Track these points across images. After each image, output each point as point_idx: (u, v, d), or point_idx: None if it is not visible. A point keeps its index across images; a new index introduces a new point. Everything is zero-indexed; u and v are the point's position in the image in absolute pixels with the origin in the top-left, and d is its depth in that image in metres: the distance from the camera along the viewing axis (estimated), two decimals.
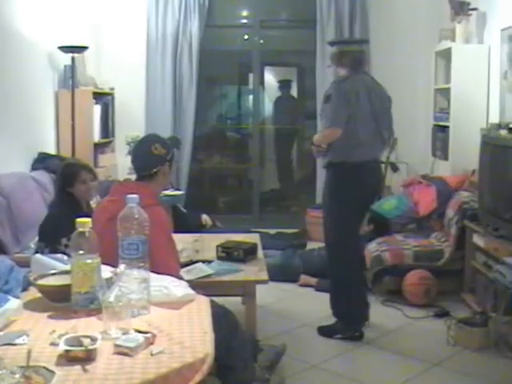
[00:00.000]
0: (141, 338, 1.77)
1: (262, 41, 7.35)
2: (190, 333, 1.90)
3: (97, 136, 6.12)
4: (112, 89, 6.59)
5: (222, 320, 2.48)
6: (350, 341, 3.97)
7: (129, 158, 6.02)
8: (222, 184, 8.36)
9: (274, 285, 4.75)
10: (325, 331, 4.09)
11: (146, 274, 2.07)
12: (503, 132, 4.41)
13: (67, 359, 1.68)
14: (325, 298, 4.57)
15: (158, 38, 6.81)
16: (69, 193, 3.70)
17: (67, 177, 3.73)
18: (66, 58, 5.69)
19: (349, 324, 4.02)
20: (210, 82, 7.98)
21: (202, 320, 2.02)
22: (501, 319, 3.73)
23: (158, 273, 2.25)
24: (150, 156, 2.83)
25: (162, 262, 2.50)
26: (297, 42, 7.86)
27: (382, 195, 4.44)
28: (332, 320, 4.13)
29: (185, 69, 6.87)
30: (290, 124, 8.14)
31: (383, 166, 6.48)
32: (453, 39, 5.71)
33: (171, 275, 2.35)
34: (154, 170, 2.82)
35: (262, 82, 7.63)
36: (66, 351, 1.68)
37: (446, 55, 5.71)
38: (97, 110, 6.12)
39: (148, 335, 1.80)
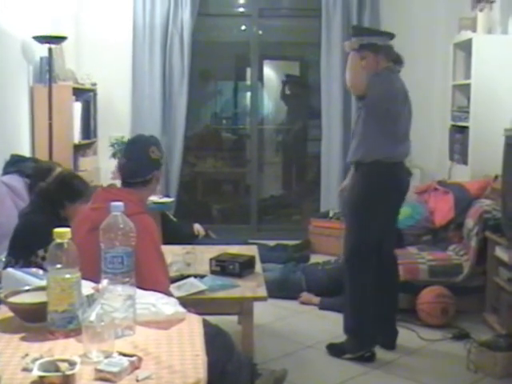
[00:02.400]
0: (125, 361, 1.76)
1: (260, 31, 7.37)
2: (180, 356, 1.88)
3: (77, 137, 6.10)
4: (94, 84, 6.58)
5: (215, 341, 2.47)
6: (359, 363, 3.96)
7: (113, 162, 6.09)
8: (216, 190, 8.36)
9: (274, 302, 4.77)
10: (334, 350, 4.10)
11: (131, 291, 2.06)
12: None
13: None
14: (330, 317, 4.57)
15: (146, 27, 6.81)
16: (57, 204, 3.69)
17: (76, 193, 3.70)
18: (42, 49, 5.68)
19: (359, 343, 4.03)
20: (204, 77, 7.99)
21: (194, 341, 2.01)
22: None
23: (145, 289, 2.24)
24: (147, 160, 2.85)
25: (150, 277, 2.50)
26: (299, 33, 7.88)
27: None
28: (341, 339, 4.14)
29: (175, 62, 6.87)
30: (299, 124, 8.11)
31: None
32: (474, 29, 5.72)
33: (160, 291, 2.35)
34: (150, 175, 2.85)
35: (260, 77, 7.64)
36: (41, 377, 1.66)
37: (466, 47, 5.72)
38: (77, 107, 6.11)
39: (133, 359, 1.79)
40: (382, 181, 3.97)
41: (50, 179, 3.79)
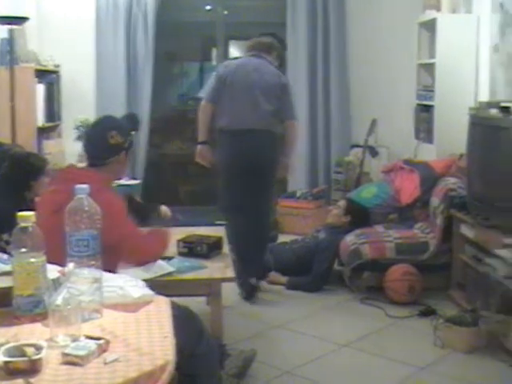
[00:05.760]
0: (92, 345, 1.75)
1: (226, 11, 7.32)
2: (148, 338, 1.89)
3: (41, 119, 6.03)
4: (57, 66, 6.50)
5: (184, 323, 2.45)
6: (329, 341, 4.00)
7: (78, 144, 6.03)
8: (183, 172, 8.31)
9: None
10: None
11: (97, 274, 2.05)
12: (494, 111, 4.44)
13: (7, 372, 1.64)
14: (297, 296, 4.60)
15: (109, 8, 6.71)
16: (21, 186, 3.66)
17: (36, 169, 3.70)
18: (2, 31, 5.58)
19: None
20: (169, 57, 7.92)
21: (162, 323, 2.01)
22: (493, 318, 3.77)
23: (138, 260, 2.35)
24: (104, 145, 2.86)
25: (122, 233, 2.70)
26: (265, 13, 7.83)
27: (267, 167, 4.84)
28: (308, 318, 4.16)
29: (139, 43, 6.79)
30: None
31: (362, 149, 6.54)
32: (438, 9, 5.74)
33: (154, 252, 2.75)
34: (109, 160, 2.86)
35: (226, 57, 7.59)
36: (6, 363, 1.65)
37: (431, 27, 5.74)
38: (40, 89, 6.03)
39: (101, 342, 1.78)
40: (218, 146, 4.83)
41: (6, 163, 3.77)
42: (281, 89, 4.80)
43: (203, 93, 4.94)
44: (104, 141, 2.84)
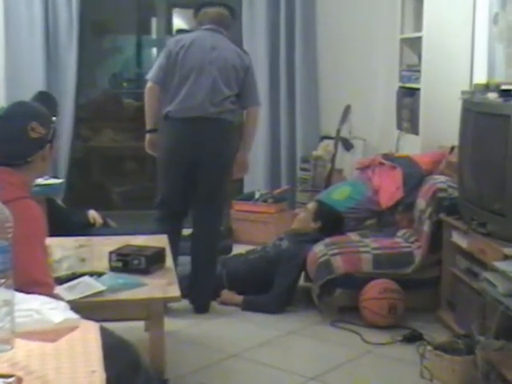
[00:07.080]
0: None
1: None
2: (71, 373, 1.85)
3: None
4: None
5: (117, 354, 2.45)
6: (293, 373, 3.99)
7: None
8: (116, 169, 8.28)
9: (188, 303, 4.85)
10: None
11: (8, 294, 2.00)
12: (492, 95, 4.48)
13: None
14: (255, 318, 4.60)
15: None
16: None
17: None
18: None
19: None
20: (98, 29, 7.87)
21: (89, 354, 1.97)
22: (491, 344, 3.79)
23: (25, 291, 2.20)
24: (25, 141, 2.79)
25: (31, 276, 2.50)
26: None
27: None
28: (272, 343, 4.18)
29: (61, 11, 6.72)
30: None
31: (333, 142, 6.55)
32: None
33: (43, 294, 2.31)
34: (31, 157, 2.81)
35: (169, 29, 7.60)
36: None
37: None
38: None
39: (10, 380, 1.74)
40: (163, 135, 4.89)
41: None
42: (244, 71, 4.87)
43: (150, 73, 4.97)
44: (24, 136, 2.78)
